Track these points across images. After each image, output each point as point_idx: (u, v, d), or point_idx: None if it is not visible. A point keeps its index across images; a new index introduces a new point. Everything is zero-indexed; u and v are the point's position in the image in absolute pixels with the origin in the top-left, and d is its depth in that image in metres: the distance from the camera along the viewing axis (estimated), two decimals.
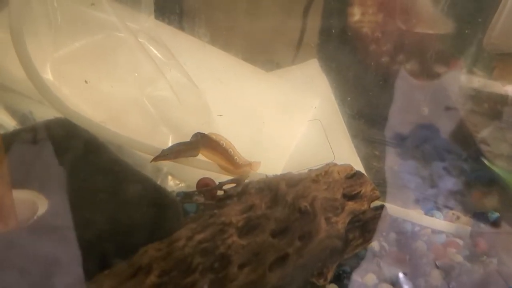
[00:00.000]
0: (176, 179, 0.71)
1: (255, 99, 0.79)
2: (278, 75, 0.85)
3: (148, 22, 0.71)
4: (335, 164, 0.53)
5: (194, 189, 0.64)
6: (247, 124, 0.77)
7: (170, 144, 0.70)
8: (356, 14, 0.91)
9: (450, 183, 0.72)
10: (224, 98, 0.76)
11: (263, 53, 0.90)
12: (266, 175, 0.52)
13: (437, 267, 0.51)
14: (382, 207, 0.52)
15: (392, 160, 0.81)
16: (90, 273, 0.42)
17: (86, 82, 0.64)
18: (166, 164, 0.69)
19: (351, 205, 0.48)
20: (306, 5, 0.93)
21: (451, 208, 0.65)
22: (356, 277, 0.48)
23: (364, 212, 0.49)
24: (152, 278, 0.37)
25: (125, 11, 0.69)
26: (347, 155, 0.76)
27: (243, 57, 0.82)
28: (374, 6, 0.90)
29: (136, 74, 0.66)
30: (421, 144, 0.83)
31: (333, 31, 0.91)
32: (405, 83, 0.86)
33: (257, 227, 0.42)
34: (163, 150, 0.59)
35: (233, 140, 0.74)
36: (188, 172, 0.67)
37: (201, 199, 0.62)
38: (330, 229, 0.45)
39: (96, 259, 0.44)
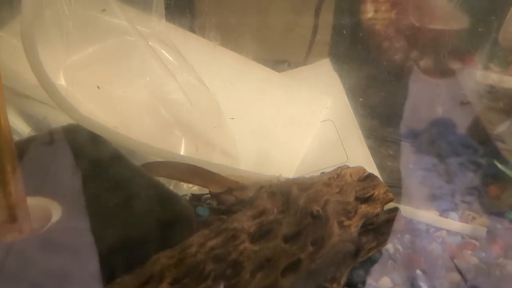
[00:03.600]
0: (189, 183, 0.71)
1: (267, 100, 0.79)
2: (290, 76, 0.85)
3: (159, 25, 0.71)
4: (348, 167, 0.53)
5: (206, 192, 0.64)
6: (259, 126, 0.76)
7: (182, 147, 0.71)
8: (369, 11, 0.90)
9: (466, 180, 0.71)
10: (236, 100, 0.76)
11: (274, 54, 0.89)
12: (278, 178, 0.52)
13: (455, 268, 0.50)
14: (395, 209, 0.51)
15: (407, 159, 0.81)
16: (103, 281, 0.43)
17: (98, 87, 0.64)
18: None
19: (364, 208, 0.48)
20: (317, 4, 0.93)
21: (467, 203, 0.65)
22: (370, 280, 0.48)
23: (377, 215, 0.49)
24: (165, 286, 0.37)
25: (136, 15, 0.69)
26: (360, 155, 0.76)
27: (255, 58, 0.82)
28: (387, 3, 0.89)
29: (148, 78, 0.66)
30: (436, 142, 0.82)
31: (345, 29, 0.90)
32: (419, 80, 0.85)
33: (269, 232, 0.42)
34: None
35: (246, 142, 0.74)
36: None
37: (213, 202, 0.62)
38: (343, 233, 0.44)
39: (109, 266, 0.44)
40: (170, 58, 0.72)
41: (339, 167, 0.52)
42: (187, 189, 0.70)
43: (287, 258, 0.42)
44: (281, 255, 0.41)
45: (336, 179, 0.49)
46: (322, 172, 0.53)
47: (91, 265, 0.45)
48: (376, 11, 0.90)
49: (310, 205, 0.44)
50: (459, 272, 0.50)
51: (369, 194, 0.49)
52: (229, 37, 0.81)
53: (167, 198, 0.49)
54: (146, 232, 0.46)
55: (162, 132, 0.70)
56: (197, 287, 0.38)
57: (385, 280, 0.48)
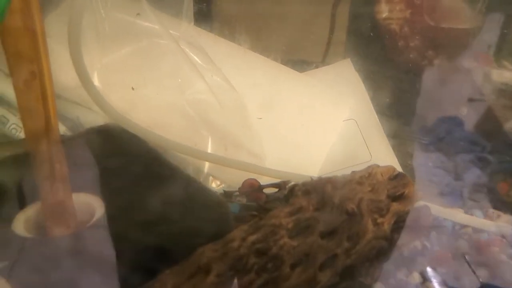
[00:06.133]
0: (217, 180, 0.73)
1: (292, 100, 0.81)
2: (313, 76, 0.87)
3: (188, 29, 0.73)
4: (378, 166, 0.54)
5: (235, 189, 0.66)
6: (284, 126, 0.78)
7: (209, 146, 0.73)
8: (384, 11, 0.92)
9: (483, 179, 0.72)
10: (262, 101, 0.78)
11: (293, 55, 0.91)
12: (311, 177, 0.54)
13: (480, 265, 0.52)
14: (425, 207, 0.53)
15: (426, 158, 0.82)
16: (147, 274, 0.45)
17: (132, 88, 0.67)
18: (206, 166, 0.71)
19: (395, 206, 0.49)
20: (334, 5, 0.95)
21: (489, 203, 0.66)
22: (400, 276, 0.50)
23: (408, 213, 0.51)
24: (212, 278, 0.39)
25: (167, 19, 0.71)
26: (384, 154, 0.77)
27: (281, 60, 0.84)
28: (401, 3, 0.91)
29: (180, 80, 0.68)
30: (454, 141, 0.83)
31: (361, 29, 0.92)
32: (435, 79, 0.86)
33: (306, 228, 0.44)
34: None
35: (271, 141, 0.76)
36: (229, 173, 0.70)
37: (243, 199, 0.64)
38: (377, 230, 0.46)
39: (152, 260, 0.47)
40: (199, 61, 0.74)
41: (369, 166, 0.54)
42: (215, 186, 0.73)
43: (324, 253, 0.43)
44: (319, 250, 0.43)
45: (367, 178, 0.51)
46: (353, 171, 0.55)
47: (135, 258, 0.47)
48: (391, 11, 0.91)
49: (345, 203, 0.46)
50: (471, 268, 0.52)
51: (400, 193, 0.51)
52: (258, 41, 0.83)
53: (206, 195, 0.51)
54: (187, 227, 0.48)
55: (190, 131, 0.72)
56: (242, 279, 0.40)
57: (415, 276, 0.50)
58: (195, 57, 0.74)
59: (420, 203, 0.53)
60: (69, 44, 0.54)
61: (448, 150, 0.80)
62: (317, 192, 0.47)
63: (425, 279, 0.50)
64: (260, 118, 0.72)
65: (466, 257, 0.54)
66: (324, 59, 0.96)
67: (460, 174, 0.74)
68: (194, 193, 0.52)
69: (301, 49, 0.95)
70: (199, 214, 0.49)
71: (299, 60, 0.91)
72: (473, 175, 0.72)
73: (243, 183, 0.64)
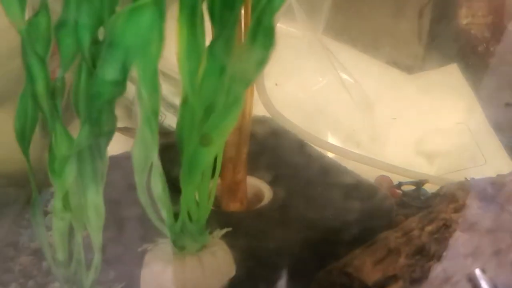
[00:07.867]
0: None
1: (407, 103, 0.85)
2: (422, 80, 0.91)
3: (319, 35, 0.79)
4: None
5: None
6: (400, 127, 0.83)
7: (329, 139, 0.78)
8: (465, 16, 0.95)
9: None
10: (381, 102, 0.83)
11: (408, 60, 0.95)
12: (466, 178, 0.58)
13: None
14: None
15: None
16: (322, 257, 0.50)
17: (276, 84, 0.73)
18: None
19: None
20: (420, 10, 0.98)
21: None
22: None
23: None
24: (403, 259, 0.45)
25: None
26: (497, 158, 0.80)
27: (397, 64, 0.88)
28: (483, 9, 0.94)
29: (321, 78, 0.74)
30: None
31: (444, 34, 0.95)
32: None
33: (474, 224, 0.49)
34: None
35: (388, 142, 0.80)
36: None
37: None
38: None
39: (322, 244, 0.52)
40: (328, 59, 0.79)
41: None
42: None
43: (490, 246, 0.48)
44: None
45: None
46: (498, 174, 0.59)
47: (307, 241, 0.52)
48: (472, 16, 0.95)
49: (507, 203, 0.51)
50: None
51: None
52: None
53: (367, 186, 0.57)
54: (353, 212, 0.53)
55: (317, 125, 0.77)
56: (427, 264, 0.45)
57: None
58: (324, 56, 0.79)
59: None
60: None
61: None
62: (478, 192, 0.52)
63: (473, 281, 0.53)
64: (395, 119, 0.77)
65: None
66: (414, 64, 1.00)
67: None
68: (353, 183, 0.57)
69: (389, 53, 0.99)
70: (363, 202, 0.55)
71: (391, 63, 0.95)
72: None
73: (376, 179, 0.69)
